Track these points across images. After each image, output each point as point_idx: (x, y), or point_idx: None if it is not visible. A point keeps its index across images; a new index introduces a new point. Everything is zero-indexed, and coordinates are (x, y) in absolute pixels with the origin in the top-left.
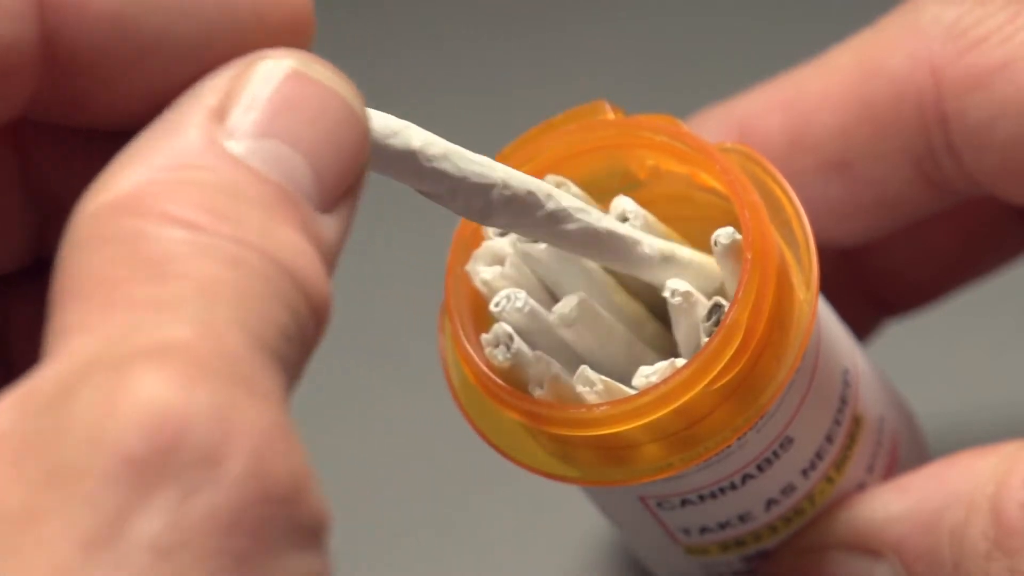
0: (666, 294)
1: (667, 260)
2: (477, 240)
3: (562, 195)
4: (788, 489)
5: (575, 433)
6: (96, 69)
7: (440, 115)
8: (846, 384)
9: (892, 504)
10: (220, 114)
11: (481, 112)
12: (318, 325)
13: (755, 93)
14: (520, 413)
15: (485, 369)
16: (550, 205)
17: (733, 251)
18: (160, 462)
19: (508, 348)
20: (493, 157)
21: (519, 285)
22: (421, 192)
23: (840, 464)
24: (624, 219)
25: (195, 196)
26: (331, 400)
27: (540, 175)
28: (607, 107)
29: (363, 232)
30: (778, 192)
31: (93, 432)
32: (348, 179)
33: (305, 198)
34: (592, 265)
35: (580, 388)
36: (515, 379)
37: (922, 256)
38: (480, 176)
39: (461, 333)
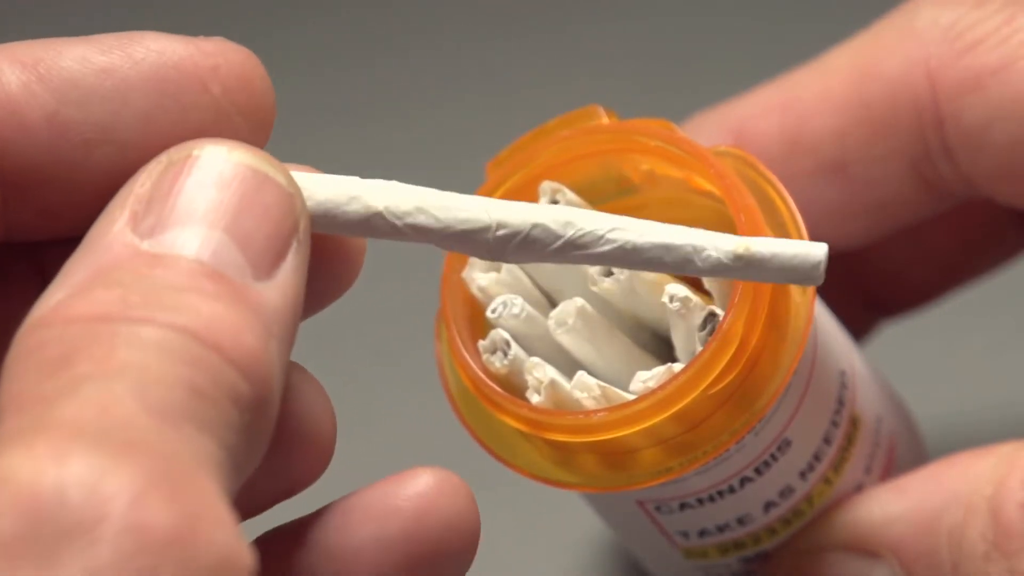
0: (664, 299)
1: (742, 260)
2: None
3: (587, 215)
4: (786, 491)
5: (573, 439)
6: (48, 174)
7: (439, 116)
8: (843, 386)
9: (890, 505)
10: (135, 218)
11: (479, 113)
12: (250, 380)
13: (752, 96)
14: (518, 420)
15: (482, 376)
16: (569, 233)
17: None
18: (32, 536)
19: (505, 354)
20: (490, 159)
21: (515, 291)
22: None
23: (838, 465)
24: (609, 273)
25: (103, 294)
26: None
27: (535, 182)
28: (601, 111)
29: None
30: (773, 195)
31: None
32: (278, 244)
33: (234, 270)
34: (592, 271)
35: (578, 394)
36: (512, 385)
37: (919, 258)
38: (467, 222)
39: (458, 340)
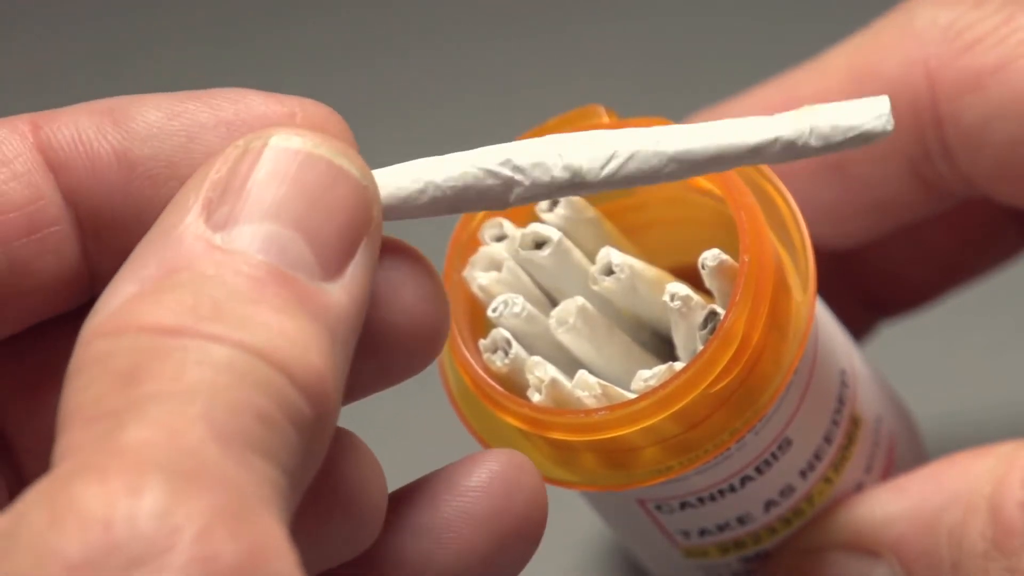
0: (665, 298)
1: (805, 121)
2: (473, 246)
3: (592, 137)
4: (787, 490)
5: (574, 438)
6: (121, 215)
7: (439, 115)
8: (843, 385)
9: (890, 504)
10: (208, 207)
11: (479, 113)
12: (312, 402)
13: (751, 95)
14: (519, 418)
15: (483, 375)
16: (631, 134)
17: (720, 272)
18: (102, 562)
19: (506, 353)
20: None
21: (516, 290)
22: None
23: (838, 465)
24: (610, 272)
25: (174, 302)
26: None
27: None
28: (601, 111)
29: None
30: (774, 194)
31: (38, 544)
32: (347, 241)
33: (303, 271)
34: (593, 270)
35: (579, 392)
36: (513, 384)
37: (918, 257)
38: (535, 145)
39: (459, 339)
